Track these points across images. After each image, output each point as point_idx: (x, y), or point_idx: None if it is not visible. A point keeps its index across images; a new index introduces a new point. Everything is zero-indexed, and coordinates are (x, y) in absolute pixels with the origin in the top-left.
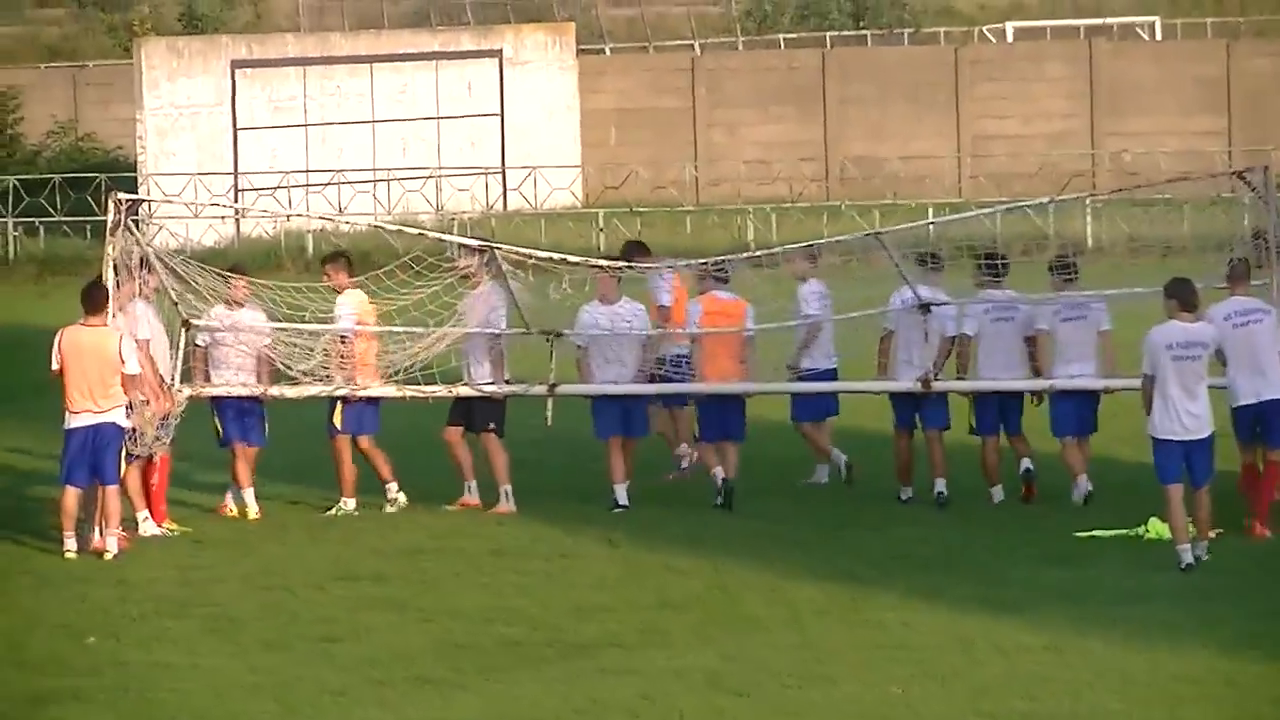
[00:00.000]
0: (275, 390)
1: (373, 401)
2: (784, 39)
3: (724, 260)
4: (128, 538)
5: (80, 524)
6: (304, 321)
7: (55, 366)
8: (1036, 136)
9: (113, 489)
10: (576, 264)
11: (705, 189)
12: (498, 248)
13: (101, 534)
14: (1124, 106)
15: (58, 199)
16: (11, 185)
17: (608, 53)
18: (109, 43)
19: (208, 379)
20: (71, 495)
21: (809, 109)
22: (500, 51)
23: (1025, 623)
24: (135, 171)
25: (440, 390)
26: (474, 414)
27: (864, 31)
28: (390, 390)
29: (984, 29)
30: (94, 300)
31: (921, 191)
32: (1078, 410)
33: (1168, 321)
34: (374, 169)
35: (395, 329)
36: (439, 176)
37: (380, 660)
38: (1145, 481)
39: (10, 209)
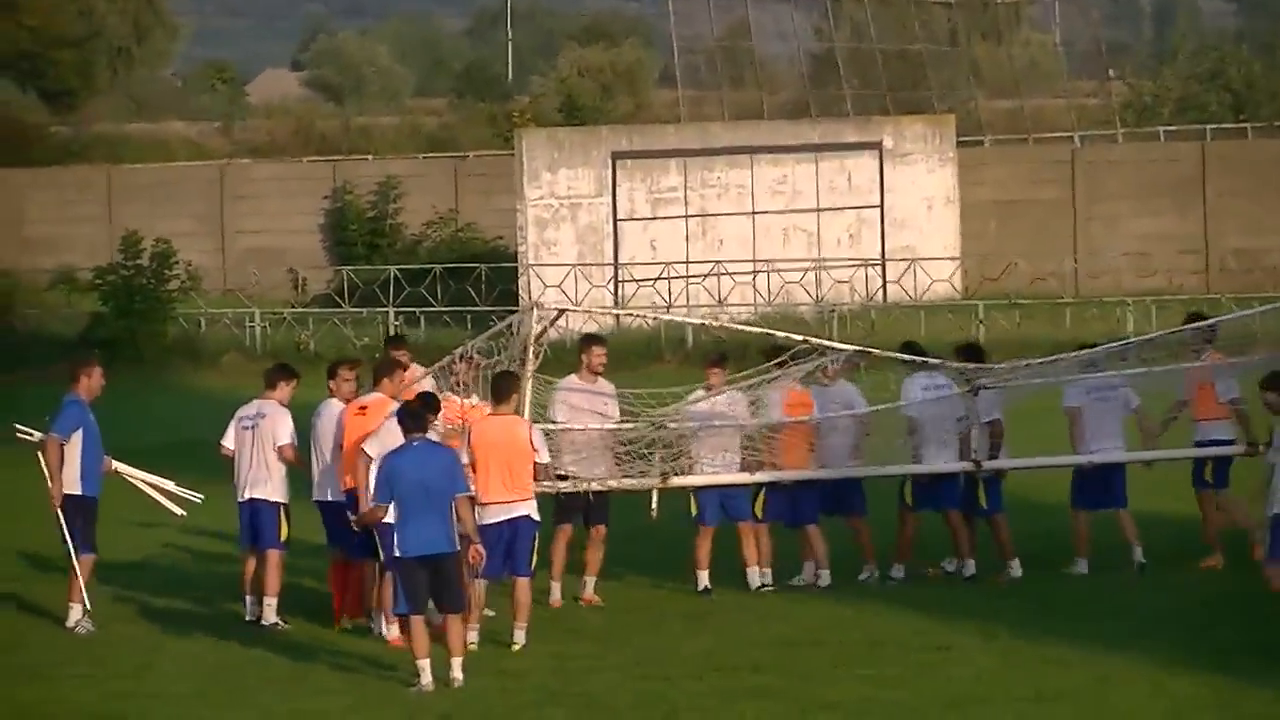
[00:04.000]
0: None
1: None
2: (1163, 131)
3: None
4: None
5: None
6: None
7: (465, 460)
8: None
9: (524, 581)
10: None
11: (1085, 281)
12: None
13: (514, 627)
14: None
15: (438, 289)
16: (392, 275)
17: (987, 144)
18: (489, 133)
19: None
20: (482, 587)
21: (1189, 201)
22: (880, 143)
23: None
24: (515, 262)
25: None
26: (591, 509)
27: (1244, 124)
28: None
29: None
30: (503, 390)
31: None
32: (1104, 484)
33: None
34: (754, 260)
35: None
36: (819, 268)
37: None
38: None
39: (391, 299)
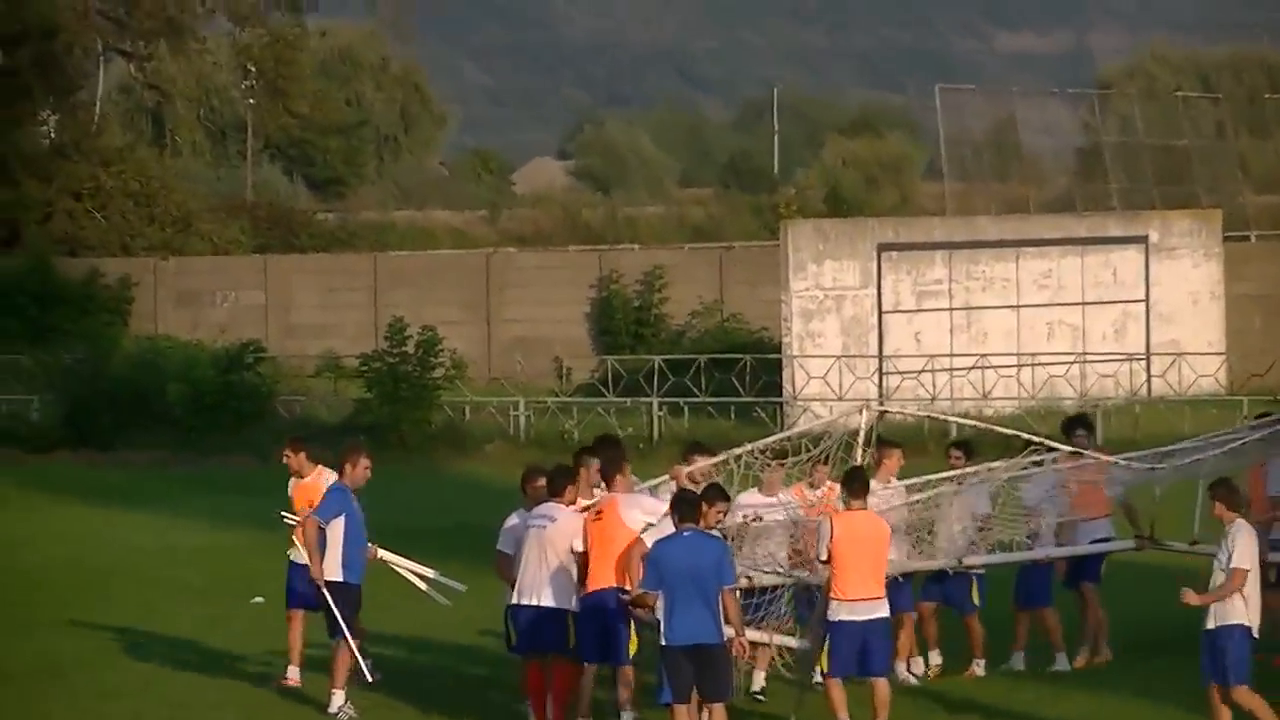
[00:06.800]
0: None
1: None
2: None
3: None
4: None
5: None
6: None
7: (823, 558)
8: None
9: (883, 681)
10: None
11: None
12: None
13: None
14: None
15: (702, 379)
16: (656, 365)
17: (1253, 240)
18: (754, 223)
19: None
20: (837, 686)
21: None
22: (1146, 238)
23: None
24: (779, 353)
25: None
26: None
27: None
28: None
29: None
30: (860, 486)
31: None
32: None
33: None
34: (1018, 353)
35: None
36: (1083, 362)
37: None
38: None
39: (655, 388)
